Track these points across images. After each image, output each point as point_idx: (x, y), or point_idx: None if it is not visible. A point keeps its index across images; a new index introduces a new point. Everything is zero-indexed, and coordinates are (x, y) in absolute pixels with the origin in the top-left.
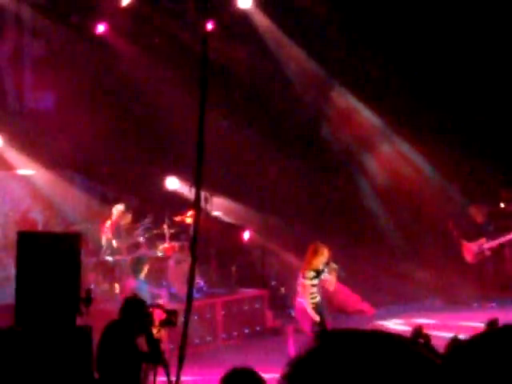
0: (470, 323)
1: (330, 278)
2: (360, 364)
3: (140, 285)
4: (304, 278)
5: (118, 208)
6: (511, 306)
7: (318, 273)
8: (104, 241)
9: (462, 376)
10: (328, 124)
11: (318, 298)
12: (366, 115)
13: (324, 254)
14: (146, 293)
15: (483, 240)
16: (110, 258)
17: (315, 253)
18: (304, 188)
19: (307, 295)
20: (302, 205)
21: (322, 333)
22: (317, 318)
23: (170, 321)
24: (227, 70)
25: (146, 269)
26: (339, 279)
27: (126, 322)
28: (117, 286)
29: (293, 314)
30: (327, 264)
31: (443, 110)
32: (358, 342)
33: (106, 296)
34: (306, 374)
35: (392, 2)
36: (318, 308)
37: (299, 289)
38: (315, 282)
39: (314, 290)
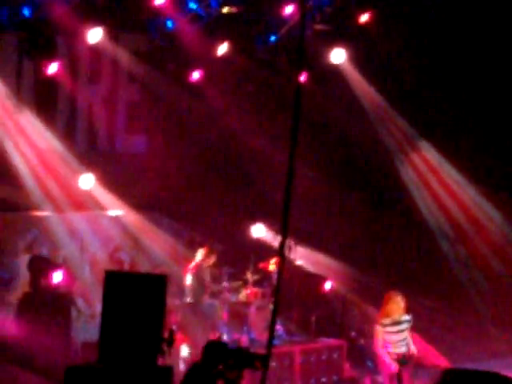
0: None
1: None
2: None
3: None
4: (376, 323)
5: (202, 251)
6: None
7: (396, 322)
8: (186, 283)
9: None
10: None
11: (398, 349)
12: (447, 170)
13: (397, 303)
14: None
15: None
16: (192, 301)
17: (387, 300)
18: (389, 242)
19: (378, 341)
20: (387, 259)
21: (449, 371)
22: (393, 368)
23: (254, 365)
24: (318, 122)
25: None
26: (415, 330)
27: (206, 365)
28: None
29: (371, 365)
30: (406, 314)
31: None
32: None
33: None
34: None
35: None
36: (400, 359)
37: None
38: (390, 329)
39: (392, 338)
